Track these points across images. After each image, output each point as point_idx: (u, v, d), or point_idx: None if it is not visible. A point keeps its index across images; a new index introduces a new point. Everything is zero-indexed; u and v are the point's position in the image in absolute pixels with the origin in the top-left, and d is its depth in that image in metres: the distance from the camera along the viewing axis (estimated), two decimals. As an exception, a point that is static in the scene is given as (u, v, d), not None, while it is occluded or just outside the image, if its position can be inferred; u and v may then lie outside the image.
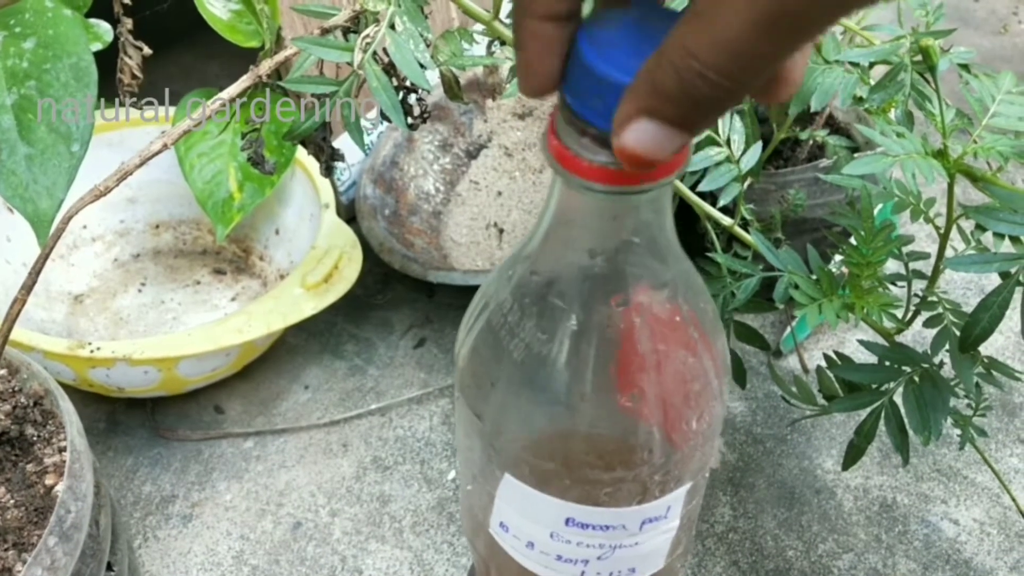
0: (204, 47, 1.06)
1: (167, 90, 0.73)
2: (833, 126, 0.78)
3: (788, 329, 0.77)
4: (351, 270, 0.68)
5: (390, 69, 0.52)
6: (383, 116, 0.56)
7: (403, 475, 0.69)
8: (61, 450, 0.53)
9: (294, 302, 0.66)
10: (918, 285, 0.55)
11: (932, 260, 0.54)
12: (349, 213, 0.84)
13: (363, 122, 0.89)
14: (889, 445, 0.70)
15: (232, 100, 0.50)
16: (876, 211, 0.73)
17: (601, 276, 0.33)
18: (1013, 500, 0.65)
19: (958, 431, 0.66)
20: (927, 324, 0.50)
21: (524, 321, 0.34)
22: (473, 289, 0.83)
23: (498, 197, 0.88)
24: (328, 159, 0.55)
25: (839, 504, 0.66)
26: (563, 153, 0.28)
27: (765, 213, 0.67)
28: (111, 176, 0.46)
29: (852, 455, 0.52)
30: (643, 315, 0.33)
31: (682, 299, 0.34)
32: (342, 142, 0.83)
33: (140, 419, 0.72)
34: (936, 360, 0.51)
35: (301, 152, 0.77)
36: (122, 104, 0.54)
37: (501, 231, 0.85)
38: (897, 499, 0.67)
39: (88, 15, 0.65)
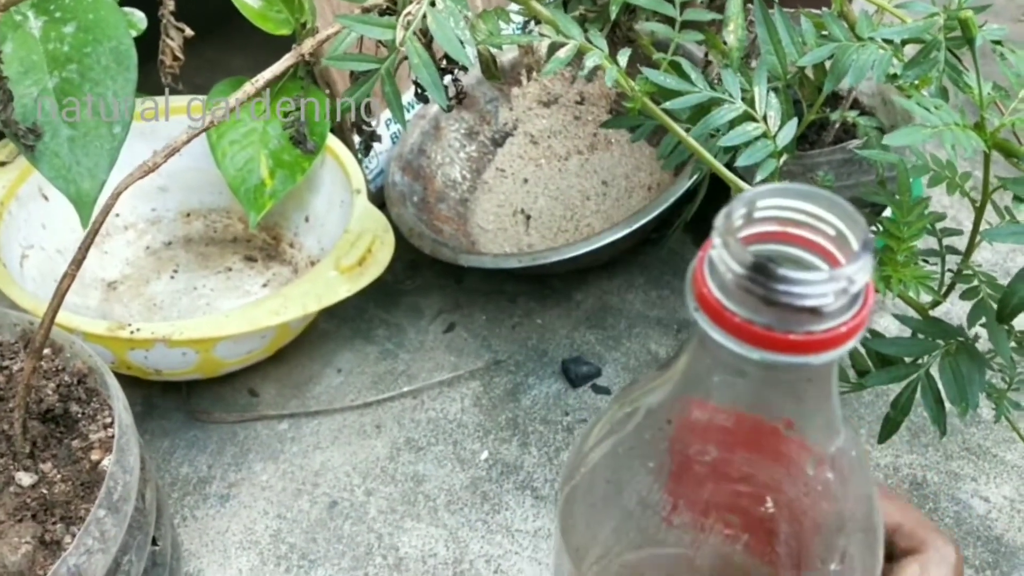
0: (227, 39, 1.06)
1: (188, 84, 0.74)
2: (859, 110, 0.79)
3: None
4: (384, 254, 0.69)
5: (428, 48, 0.53)
6: (418, 97, 0.56)
7: (436, 455, 0.70)
8: (106, 426, 0.54)
9: (328, 285, 0.67)
10: (951, 261, 0.55)
11: (964, 237, 0.54)
12: (378, 200, 0.85)
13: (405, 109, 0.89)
14: (918, 424, 0.70)
15: (273, 80, 0.51)
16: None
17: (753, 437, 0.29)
18: (1044, 478, 0.65)
19: (990, 407, 0.67)
20: (964, 296, 0.51)
21: (648, 475, 0.31)
22: (501, 274, 0.84)
23: (524, 184, 0.89)
24: (367, 139, 0.55)
25: (870, 482, 0.67)
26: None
27: (794, 195, 0.68)
28: (160, 152, 0.46)
29: (888, 428, 0.52)
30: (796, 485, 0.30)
31: (835, 467, 0.30)
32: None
33: (176, 403, 0.73)
34: (971, 333, 0.52)
35: (331, 140, 0.77)
36: (166, 85, 0.54)
37: (528, 217, 0.86)
38: (927, 477, 0.67)
39: (121, 3, 0.66)
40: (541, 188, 0.88)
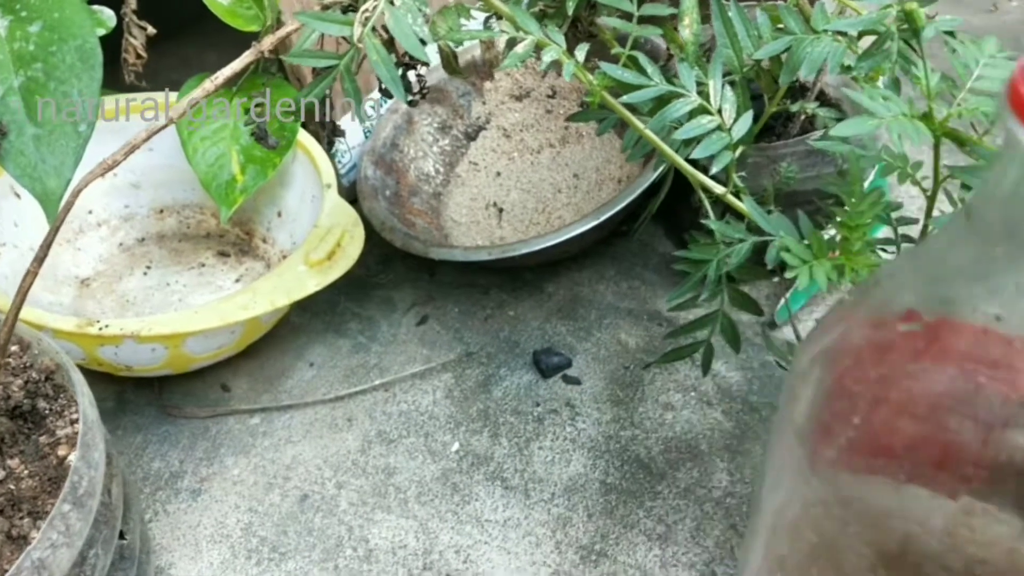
0: (201, 37, 1.07)
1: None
2: (824, 101, 0.79)
3: (782, 301, 0.78)
4: (354, 248, 0.70)
5: (389, 45, 0.53)
6: (383, 92, 0.57)
7: (407, 448, 0.70)
8: (73, 422, 0.54)
9: (298, 279, 0.67)
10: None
11: (920, 225, 0.55)
12: (350, 195, 0.85)
13: (363, 105, 0.90)
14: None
15: (235, 76, 0.51)
16: (868, 180, 0.74)
17: None
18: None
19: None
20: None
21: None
22: (474, 267, 0.84)
23: (497, 178, 0.89)
24: (330, 134, 0.56)
25: (835, 469, 0.68)
26: None
27: (758, 187, 0.68)
28: (118, 151, 0.47)
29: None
30: None
31: None
32: (343, 125, 0.85)
33: (147, 398, 0.74)
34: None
35: (302, 135, 0.78)
36: (129, 81, 0.55)
37: (500, 211, 0.86)
38: (892, 463, 0.68)
39: (90, 1, 0.66)
40: (513, 181, 0.89)
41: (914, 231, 0.56)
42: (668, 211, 0.79)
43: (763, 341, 0.77)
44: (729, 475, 0.68)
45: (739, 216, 0.58)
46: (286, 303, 0.66)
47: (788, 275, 0.49)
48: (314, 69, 0.52)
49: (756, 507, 0.37)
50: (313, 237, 0.69)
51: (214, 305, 0.65)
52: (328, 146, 0.58)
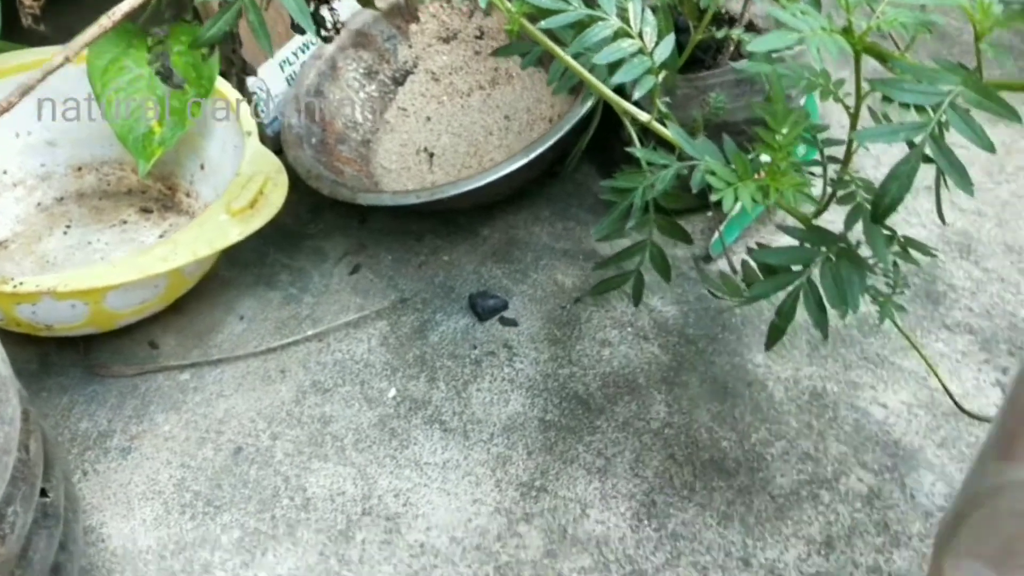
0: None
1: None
2: (753, 31, 0.79)
3: (716, 234, 0.78)
4: (277, 195, 0.68)
5: (296, -25, 0.51)
6: (294, 28, 0.55)
7: (343, 396, 0.69)
8: (-14, 381, 0.52)
9: (220, 228, 0.65)
10: (836, 174, 0.56)
11: (845, 144, 0.55)
12: (275, 146, 0.83)
13: (286, 53, 0.87)
14: (817, 337, 0.72)
15: (135, 12, 0.49)
16: (802, 102, 0.74)
17: None
18: (940, 381, 0.67)
19: (878, 309, 0.68)
20: (841, 201, 0.52)
21: None
22: (407, 214, 0.83)
23: (427, 122, 0.88)
24: (240, 71, 0.54)
25: (770, 395, 0.68)
26: None
27: (687, 118, 0.68)
28: (13, 91, 0.45)
29: (773, 335, 0.53)
30: None
31: None
32: (265, 73, 0.82)
33: (73, 358, 0.72)
34: (854, 241, 0.53)
35: (221, 84, 0.75)
36: (27, 24, 0.52)
37: (431, 155, 0.85)
38: (827, 387, 0.69)
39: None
40: (444, 125, 0.87)
41: (840, 152, 0.56)
42: (600, 149, 0.79)
43: (697, 274, 0.77)
44: (667, 407, 0.68)
45: (669, 147, 0.58)
46: (208, 253, 0.64)
47: (713, 198, 0.49)
48: (220, 3, 0.50)
49: None
50: (234, 185, 0.67)
51: (133, 258, 0.63)
52: (239, 85, 0.56)
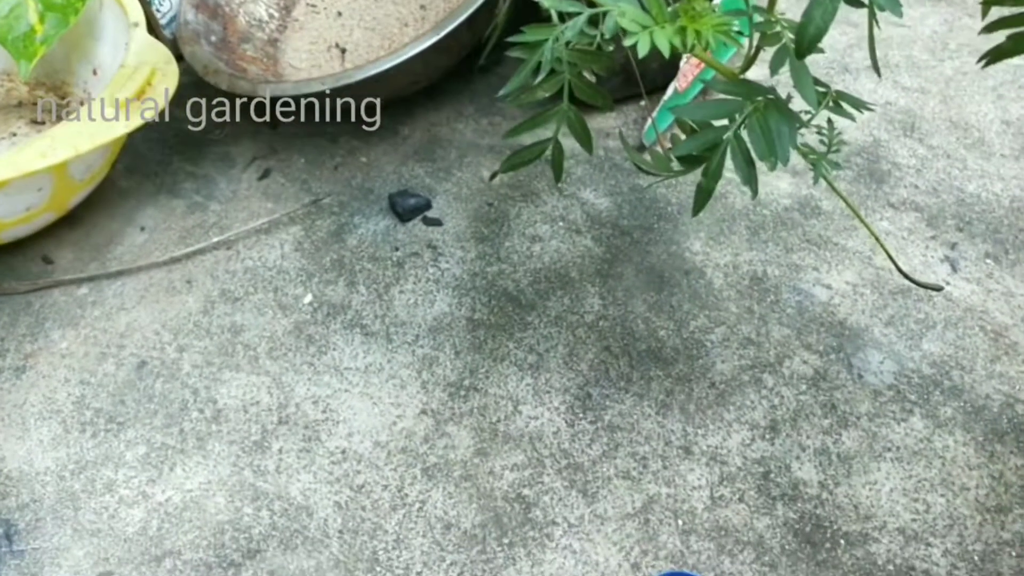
0: None
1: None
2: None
3: (649, 121, 0.74)
4: (165, 85, 0.62)
5: None
6: None
7: (255, 304, 0.64)
8: None
9: (103, 121, 0.60)
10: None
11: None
12: (175, 50, 0.77)
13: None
14: (757, 221, 0.68)
15: None
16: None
17: None
18: (889, 256, 0.63)
19: (828, 198, 0.65)
20: (766, 42, 0.48)
21: None
22: (321, 115, 0.77)
23: (338, 18, 0.82)
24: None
25: (709, 282, 0.65)
26: None
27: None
28: None
29: (700, 199, 0.49)
30: None
31: None
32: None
33: (-42, 278, 0.66)
34: (784, 95, 0.49)
35: (108, -23, 0.69)
36: None
37: (344, 51, 0.79)
38: (768, 271, 0.65)
39: None
40: (356, 20, 0.81)
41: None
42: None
43: (631, 167, 0.73)
44: (601, 299, 0.64)
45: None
46: (90, 147, 0.58)
47: (627, 43, 0.44)
48: None
49: None
50: (120, 77, 0.62)
51: (8, 155, 0.57)
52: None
